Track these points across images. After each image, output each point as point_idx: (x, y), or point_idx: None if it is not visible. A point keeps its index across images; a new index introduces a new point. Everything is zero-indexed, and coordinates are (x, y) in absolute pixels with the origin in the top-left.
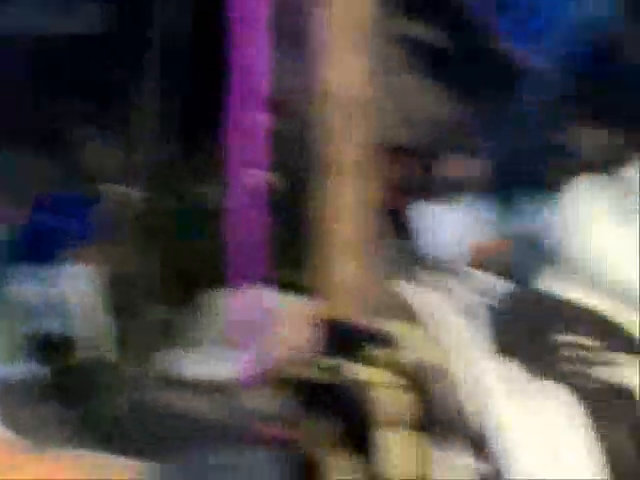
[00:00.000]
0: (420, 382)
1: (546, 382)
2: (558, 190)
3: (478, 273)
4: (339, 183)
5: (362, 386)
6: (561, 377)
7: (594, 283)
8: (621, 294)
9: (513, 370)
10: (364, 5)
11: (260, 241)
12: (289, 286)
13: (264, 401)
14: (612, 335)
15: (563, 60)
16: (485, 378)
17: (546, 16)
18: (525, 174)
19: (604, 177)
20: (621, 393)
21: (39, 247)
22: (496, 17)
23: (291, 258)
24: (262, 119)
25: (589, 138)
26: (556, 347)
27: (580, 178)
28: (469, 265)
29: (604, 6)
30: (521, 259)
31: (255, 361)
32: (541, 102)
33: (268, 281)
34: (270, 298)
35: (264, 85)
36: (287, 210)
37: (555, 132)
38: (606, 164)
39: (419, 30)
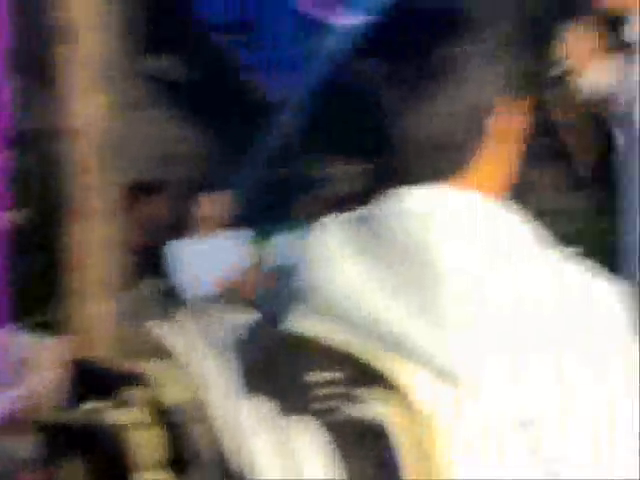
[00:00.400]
0: (177, 422)
1: (296, 419)
2: (308, 224)
3: (231, 309)
4: (88, 221)
5: (118, 428)
6: (311, 414)
7: (341, 320)
8: (368, 331)
9: (265, 408)
10: (109, 42)
11: (7, 282)
12: (41, 327)
13: (17, 446)
14: (360, 372)
15: (311, 93)
16: (240, 416)
17: (295, 50)
18: (277, 208)
19: (353, 211)
20: (371, 429)
21: None
22: (242, 52)
23: (42, 299)
24: (5, 156)
25: (339, 171)
26: (306, 384)
27: (329, 211)
28: (223, 300)
29: (348, 40)
30: (272, 294)
31: (6, 405)
32: (290, 135)
33: (19, 323)
34: (21, 341)
35: (6, 122)
36: (36, 249)
37: (305, 165)
38: (356, 197)
39: (165, 66)
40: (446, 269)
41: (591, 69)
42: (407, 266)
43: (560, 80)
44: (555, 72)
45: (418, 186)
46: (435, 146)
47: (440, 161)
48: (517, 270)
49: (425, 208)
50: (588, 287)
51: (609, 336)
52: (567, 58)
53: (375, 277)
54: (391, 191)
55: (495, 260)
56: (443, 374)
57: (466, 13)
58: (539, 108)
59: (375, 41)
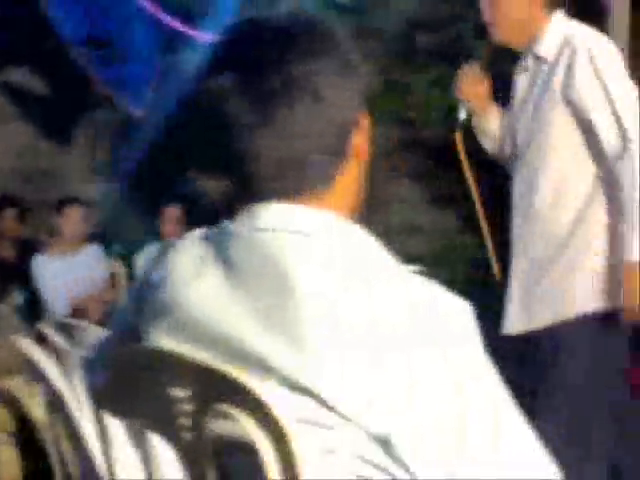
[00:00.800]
0: (40, 438)
1: (160, 434)
2: (170, 239)
3: (92, 323)
4: None
5: None
6: (175, 429)
7: (203, 337)
8: (229, 349)
9: (128, 423)
10: None
11: None
12: None
13: None
14: (223, 388)
15: (171, 108)
16: (103, 432)
17: (154, 65)
18: (139, 223)
19: (214, 226)
20: (237, 445)
21: None
22: (100, 66)
23: None
24: None
25: (202, 186)
26: (168, 399)
27: (191, 226)
28: (84, 315)
29: (206, 56)
30: (134, 309)
31: None
32: (152, 149)
33: None
34: None
35: None
36: None
37: (168, 180)
38: (217, 212)
39: (21, 79)
40: (303, 293)
41: (488, 109)
42: (265, 286)
43: (462, 120)
44: (459, 113)
45: (275, 203)
46: (291, 163)
47: (296, 178)
48: (371, 289)
49: (280, 226)
50: (434, 302)
51: (455, 347)
52: (467, 100)
53: (235, 296)
54: (249, 207)
55: (349, 280)
56: (304, 393)
57: (321, 30)
58: (408, 126)
59: (232, 58)
